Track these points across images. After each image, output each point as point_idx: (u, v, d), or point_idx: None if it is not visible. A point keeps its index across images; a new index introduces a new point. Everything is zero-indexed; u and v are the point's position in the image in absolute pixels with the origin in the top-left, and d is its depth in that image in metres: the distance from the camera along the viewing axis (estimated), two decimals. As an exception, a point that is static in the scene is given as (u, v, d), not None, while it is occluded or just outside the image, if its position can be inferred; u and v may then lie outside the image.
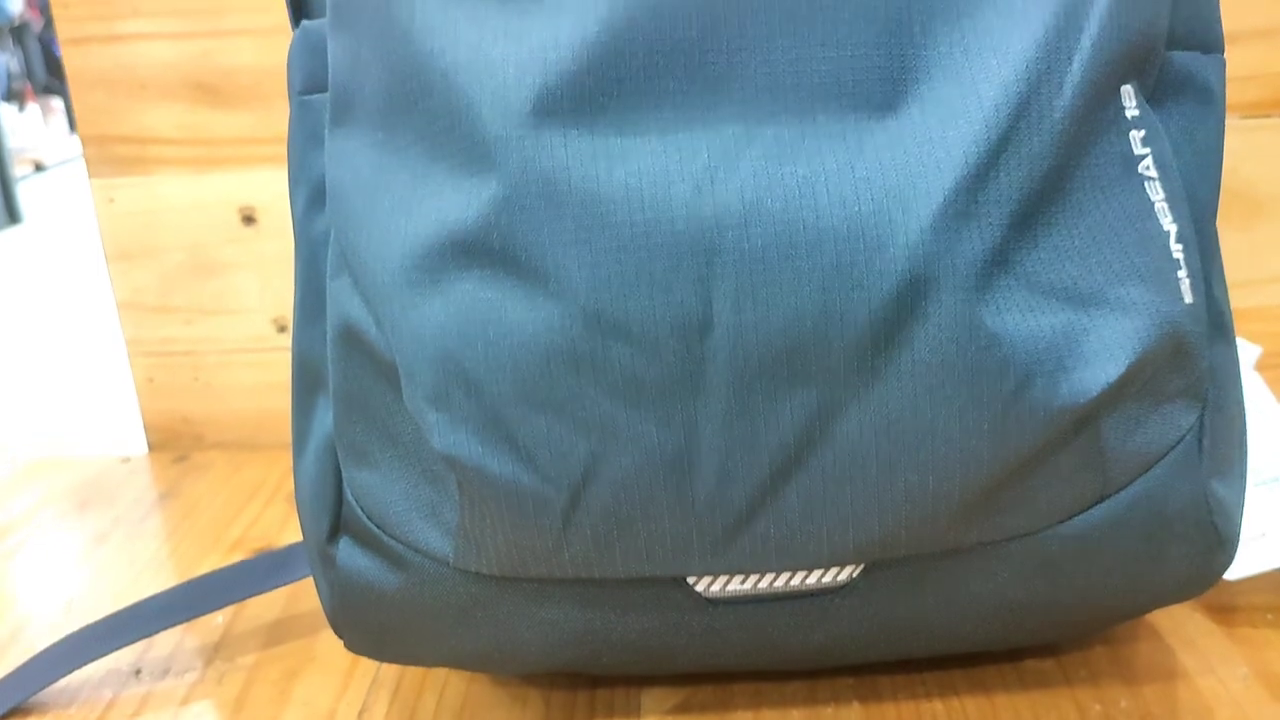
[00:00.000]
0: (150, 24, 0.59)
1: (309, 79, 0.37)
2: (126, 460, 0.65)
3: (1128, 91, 0.33)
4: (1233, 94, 0.56)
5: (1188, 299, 0.32)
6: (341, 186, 0.34)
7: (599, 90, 0.30)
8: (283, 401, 0.65)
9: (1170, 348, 0.32)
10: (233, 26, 0.59)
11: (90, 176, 0.62)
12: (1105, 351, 0.31)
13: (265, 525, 0.57)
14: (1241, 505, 0.36)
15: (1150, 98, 0.34)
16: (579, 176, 0.30)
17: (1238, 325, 0.62)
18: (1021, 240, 0.31)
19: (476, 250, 0.31)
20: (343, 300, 0.34)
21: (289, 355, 0.63)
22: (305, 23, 0.37)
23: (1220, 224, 0.58)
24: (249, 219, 0.62)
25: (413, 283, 0.31)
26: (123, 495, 0.61)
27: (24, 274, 1.40)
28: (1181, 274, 0.33)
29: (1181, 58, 0.35)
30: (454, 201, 0.31)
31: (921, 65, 0.31)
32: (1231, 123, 0.57)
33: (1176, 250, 0.33)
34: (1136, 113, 0.33)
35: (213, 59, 0.59)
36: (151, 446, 0.66)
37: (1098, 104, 0.32)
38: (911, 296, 0.29)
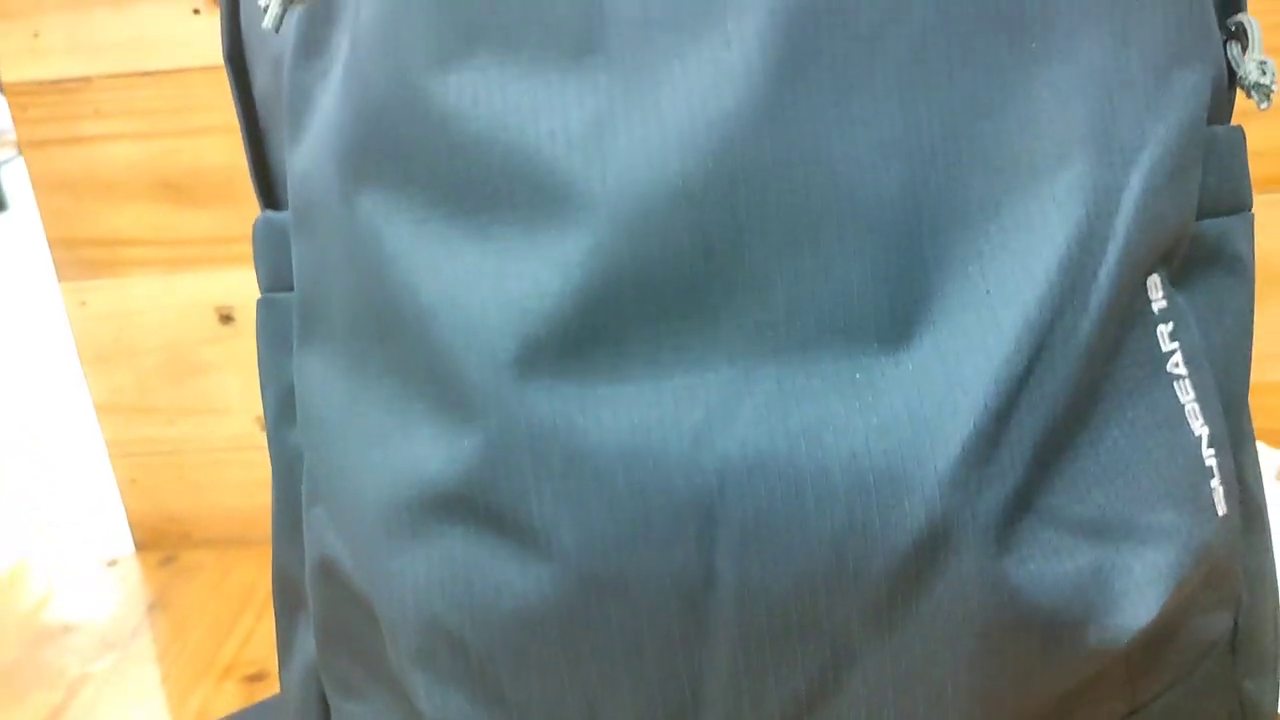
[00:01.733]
0: (112, 124, 0.56)
1: (273, 275, 0.34)
2: (114, 563, 0.64)
3: (1154, 282, 0.30)
4: (1257, 169, 0.54)
5: (1221, 511, 0.30)
6: (312, 410, 0.32)
7: (586, 337, 0.28)
8: (268, 499, 0.63)
9: (1205, 571, 0.30)
10: (198, 125, 0.56)
11: (59, 280, 0.59)
12: (1136, 591, 0.29)
13: (256, 645, 0.55)
14: (1276, 697, 0.34)
15: (1176, 278, 0.32)
16: (567, 431, 0.28)
17: (1254, 401, 0.60)
18: (1045, 475, 0.29)
19: (458, 506, 0.28)
20: (319, 531, 0.32)
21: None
22: (269, 214, 0.34)
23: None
24: (226, 318, 0.59)
25: (390, 533, 0.29)
26: (110, 609, 0.59)
27: (11, 264, 1.36)
28: (1215, 483, 0.30)
29: (1210, 225, 0.32)
30: (433, 451, 0.29)
31: (935, 290, 0.28)
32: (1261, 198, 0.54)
33: (1209, 456, 0.31)
34: (1164, 304, 0.30)
35: (179, 158, 0.56)
36: (138, 545, 0.64)
37: (1124, 310, 0.29)
38: (930, 552, 0.27)
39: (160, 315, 0.59)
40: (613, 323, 0.28)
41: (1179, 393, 0.30)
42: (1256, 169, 0.54)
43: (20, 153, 0.55)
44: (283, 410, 0.34)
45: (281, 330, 0.34)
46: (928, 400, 0.28)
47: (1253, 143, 0.53)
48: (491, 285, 0.28)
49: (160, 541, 0.64)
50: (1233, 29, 0.33)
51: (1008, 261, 0.28)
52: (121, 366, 0.60)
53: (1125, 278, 0.29)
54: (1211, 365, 0.32)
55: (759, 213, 0.27)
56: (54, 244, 0.59)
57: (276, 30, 0.29)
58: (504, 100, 0.28)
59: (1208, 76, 0.31)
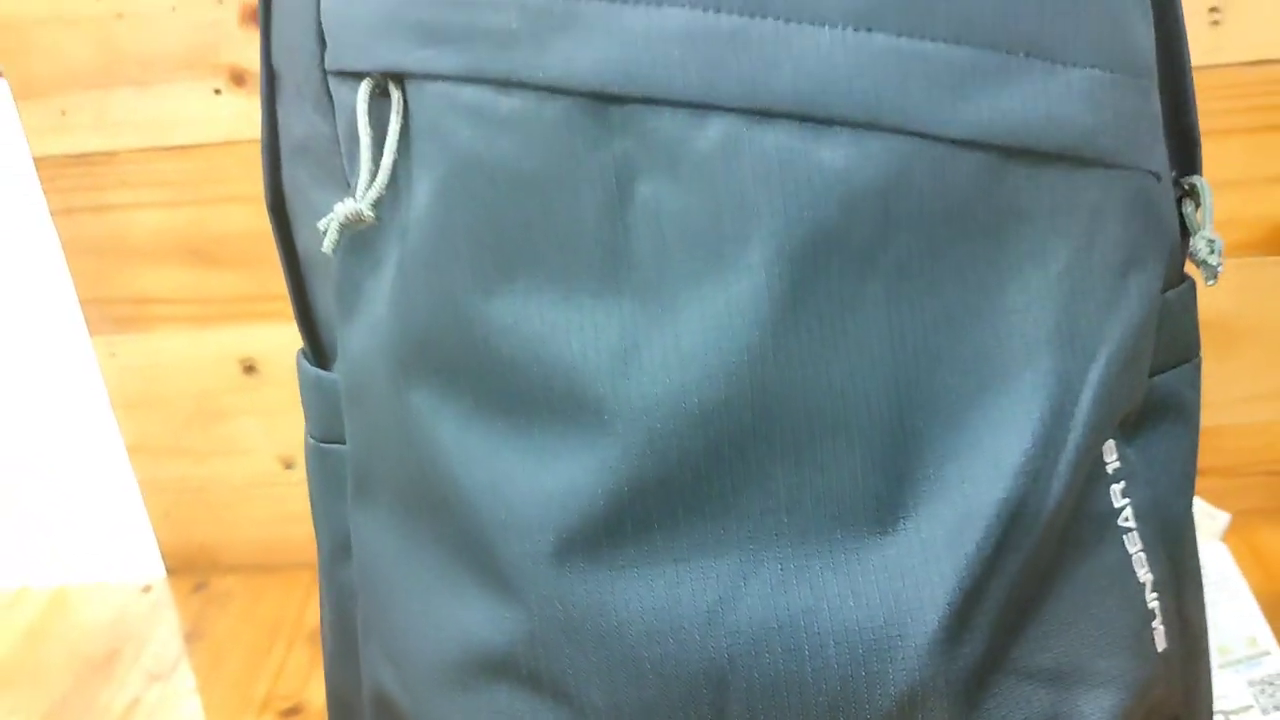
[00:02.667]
0: (138, 194, 0.59)
1: (323, 426, 0.38)
2: (148, 590, 0.68)
3: (1109, 446, 0.35)
4: (1209, 234, 0.58)
5: (1161, 646, 0.35)
6: (367, 559, 0.36)
7: (615, 529, 0.32)
8: (294, 529, 0.67)
9: (1147, 705, 0.35)
10: (221, 194, 0.59)
11: (90, 334, 0.62)
12: None
13: (289, 678, 0.60)
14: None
15: (1128, 433, 0.36)
16: (598, 610, 0.32)
17: (1211, 443, 0.64)
18: (1010, 636, 0.33)
19: (503, 669, 0.33)
20: (374, 666, 0.36)
21: (297, 489, 0.66)
22: (318, 371, 0.38)
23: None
24: (250, 369, 0.63)
25: (442, 684, 0.34)
26: (149, 637, 0.64)
27: None
28: (1156, 623, 0.35)
29: (1161, 381, 0.36)
30: (480, 619, 0.33)
31: (917, 483, 0.33)
32: (1207, 259, 0.58)
33: (1152, 600, 0.35)
34: (1117, 464, 0.35)
35: (204, 225, 0.60)
36: (169, 571, 0.69)
37: (1083, 482, 0.34)
38: (910, 711, 0.32)
39: (187, 367, 0.63)
40: (638, 517, 0.32)
41: (1127, 544, 0.35)
42: (1223, 237, 0.58)
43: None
44: (336, 550, 0.38)
45: (334, 479, 0.38)
46: (910, 581, 0.32)
47: (1218, 214, 0.57)
48: (531, 481, 0.32)
49: (190, 567, 0.69)
50: (1186, 188, 0.37)
51: (979, 457, 0.32)
52: (151, 412, 0.64)
53: (1084, 457, 0.33)
54: (1157, 509, 0.36)
55: (764, 424, 0.32)
56: (84, 302, 0.62)
57: (333, 253, 0.33)
58: (541, 322, 0.32)
59: (1160, 270, 0.35)
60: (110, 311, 0.62)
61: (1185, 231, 0.37)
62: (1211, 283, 0.37)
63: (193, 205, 0.59)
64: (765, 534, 0.32)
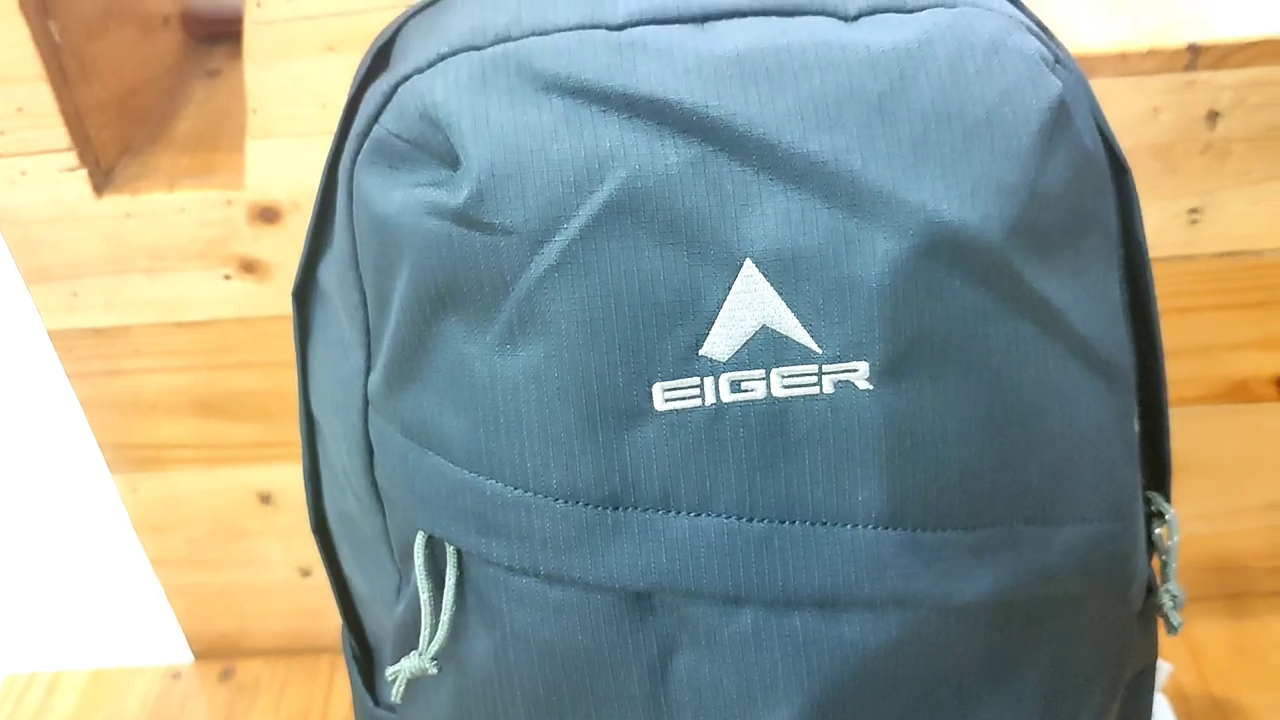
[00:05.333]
0: (151, 361, 0.61)
1: None
2: (177, 676, 0.73)
3: None
4: (1177, 391, 0.62)
5: None
6: None
7: None
8: (315, 621, 0.72)
9: None
10: (233, 361, 0.61)
11: (111, 471, 0.65)
12: None
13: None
14: None
15: None
16: None
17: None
18: None
19: None
20: None
21: (315, 592, 0.70)
22: (374, 709, 0.42)
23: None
24: (265, 499, 0.66)
25: None
26: (185, 731, 0.69)
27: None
28: None
29: None
30: None
31: None
32: (1177, 410, 0.63)
33: None
34: None
35: (217, 386, 0.62)
36: (196, 655, 0.74)
37: None
38: None
39: (205, 500, 0.66)
40: None
41: None
42: (1185, 390, 0.63)
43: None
44: None
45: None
46: None
47: (1182, 373, 0.61)
48: None
49: (215, 650, 0.73)
50: (1153, 509, 0.41)
51: None
52: (173, 535, 0.68)
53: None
54: None
55: None
56: (104, 446, 0.64)
57: (400, 699, 0.36)
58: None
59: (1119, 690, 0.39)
60: (129, 455, 0.64)
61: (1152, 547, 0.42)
62: (1172, 634, 0.41)
63: (205, 370, 0.61)
64: None
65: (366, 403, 0.38)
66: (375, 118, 0.35)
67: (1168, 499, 0.43)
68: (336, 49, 0.51)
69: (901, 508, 0.34)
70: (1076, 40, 0.52)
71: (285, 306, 0.58)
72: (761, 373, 0.33)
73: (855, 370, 0.33)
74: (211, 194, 0.55)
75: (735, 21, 0.34)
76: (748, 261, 0.32)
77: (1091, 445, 0.36)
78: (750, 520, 0.34)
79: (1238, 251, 0.58)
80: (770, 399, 0.33)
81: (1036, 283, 0.33)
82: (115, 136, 0.57)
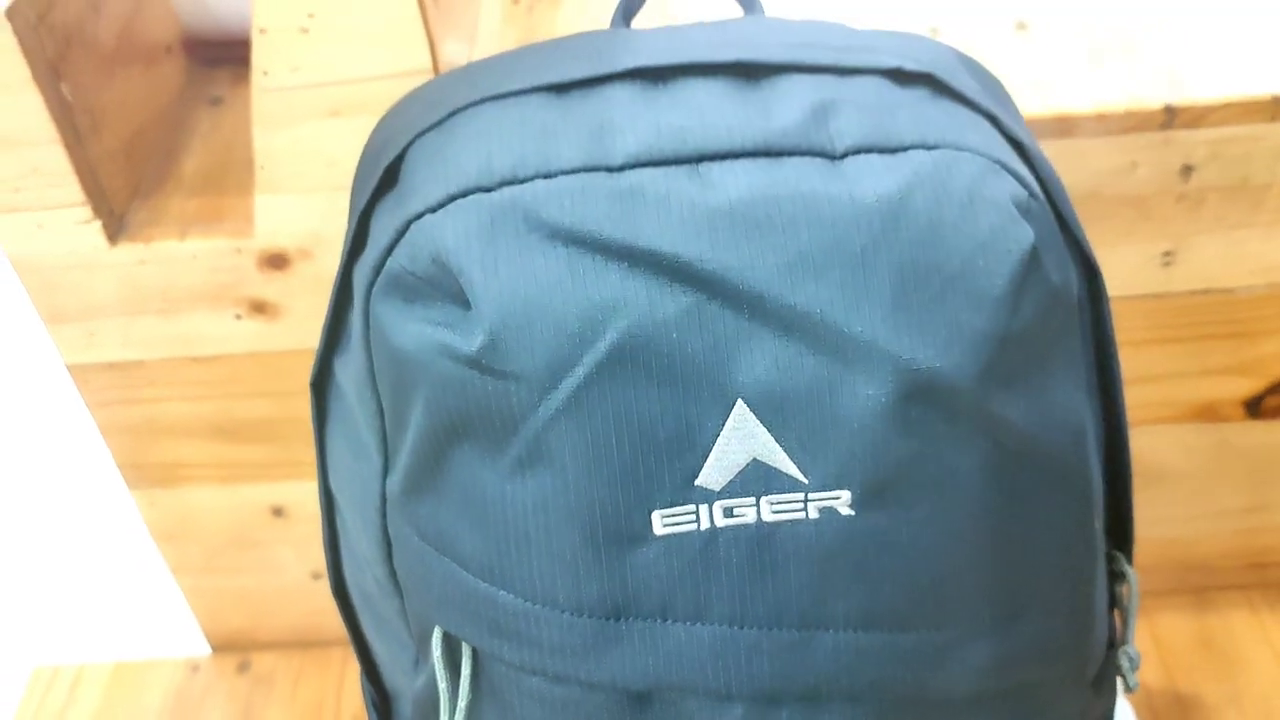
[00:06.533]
0: (167, 390, 0.63)
1: None
2: (195, 669, 0.77)
3: None
4: (1151, 412, 0.65)
5: None
6: None
7: None
8: (327, 618, 0.76)
9: None
10: (245, 391, 0.63)
11: (129, 488, 0.68)
12: None
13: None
14: None
15: None
16: None
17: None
18: None
19: None
20: None
21: (327, 595, 0.74)
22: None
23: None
24: (278, 512, 0.69)
25: None
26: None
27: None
28: None
29: None
30: None
31: None
32: (1151, 428, 0.66)
33: None
34: None
35: (231, 413, 0.64)
36: (214, 648, 0.77)
37: None
38: None
39: (220, 514, 0.69)
40: None
41: None
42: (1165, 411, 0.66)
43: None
44: None
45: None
46: None
47: (1162, 394, 0.64)
48: None
49: (232, 645, 0.77)
50: (1114, 568, 0.45)
51: None
52: (189, 543, 0.71)
53: None
54: None
55: None
56: (122, 465, 0.67)
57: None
58: None
59: None
60: (145, 474, 0.67)
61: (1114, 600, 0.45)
62: (1127, 693, 0.45)
63: (219, 399, 0.64)
64: None
65: (385, 500, 0.40)
66: (389, 250, 0.37)
67: (1129, 560, 0.46)
68: (341, 114, 0.53)
69: (877, 614, 0.37)
70: (1057, 100, 0.54)
71: (295, 342, 0.60)
72: (752, 500, 0.36)
73: (838, 498, 0.35)
74: (221, 242, 0.57)
75: (728, 165, 0.36)
76: (739, 402, 0.35)
77: (1053, 549, 0.39)
78: (741, 627, 0.37)
79: (1210, 290, 0.60)
80: (760, 523, 0.36)
81: (1004, 410, 0.36)
82: (126, 183, 0.59)
